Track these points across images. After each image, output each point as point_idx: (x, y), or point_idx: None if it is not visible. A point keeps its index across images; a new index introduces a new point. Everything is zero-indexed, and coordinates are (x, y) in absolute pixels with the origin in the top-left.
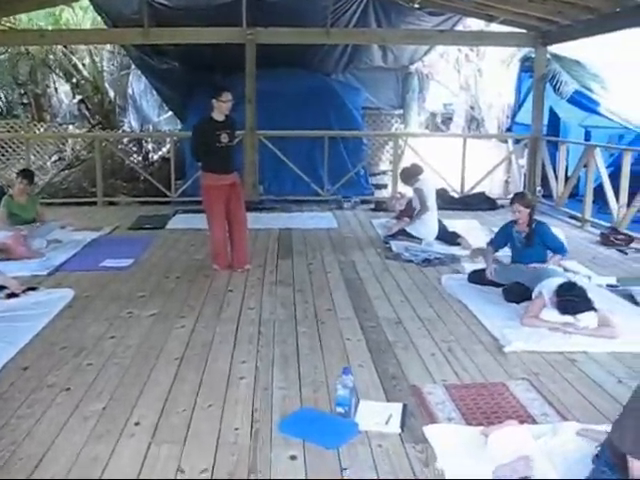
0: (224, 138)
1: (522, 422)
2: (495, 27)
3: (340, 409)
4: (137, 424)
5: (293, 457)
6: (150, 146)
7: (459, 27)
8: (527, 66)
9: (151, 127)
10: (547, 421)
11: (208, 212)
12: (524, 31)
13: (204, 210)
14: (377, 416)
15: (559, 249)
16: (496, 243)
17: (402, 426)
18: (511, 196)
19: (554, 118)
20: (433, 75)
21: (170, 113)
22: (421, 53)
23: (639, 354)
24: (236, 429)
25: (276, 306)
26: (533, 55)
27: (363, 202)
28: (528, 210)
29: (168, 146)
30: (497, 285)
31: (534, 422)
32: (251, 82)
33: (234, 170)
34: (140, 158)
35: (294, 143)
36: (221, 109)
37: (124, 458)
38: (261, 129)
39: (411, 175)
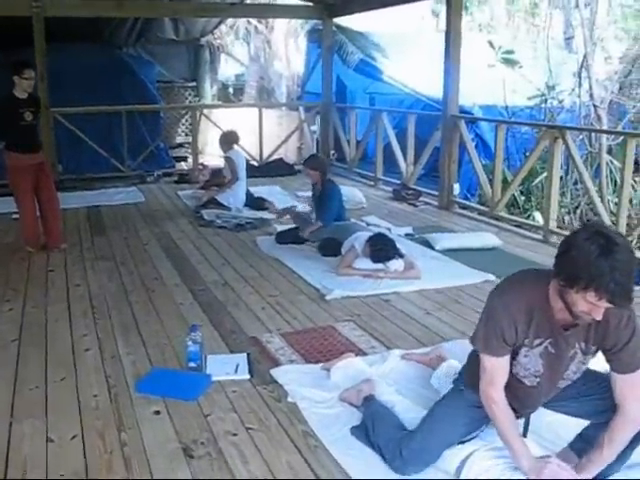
0: (28, 116)
1: (355, 355)
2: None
3: (192, 364)
4: None
5: (157, 412)
6: None
7: (249, 0)
8: (314, 37)
9: None
10: (375, 352)
11: (16, 194)
12: (310, 4)
13: (10, 193)
14: (226, 366)
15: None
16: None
17: (251, 372)
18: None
19: (342, 86)
20: (224, 47)
21: None
22: (212, 26)
23: (440, 289)
24: (95, 396)
25: (103, 280)
26: (320, 27)
27: (165, 175)
28: (318, 172)
29: None
30: (301, 242)
31: (364, 354)
32: (41, 58)
33: (41, 149)
34: None
35: (91, 120)
36: (22, 86)
37: None
38: (55, 107)
39: (228, 141)
